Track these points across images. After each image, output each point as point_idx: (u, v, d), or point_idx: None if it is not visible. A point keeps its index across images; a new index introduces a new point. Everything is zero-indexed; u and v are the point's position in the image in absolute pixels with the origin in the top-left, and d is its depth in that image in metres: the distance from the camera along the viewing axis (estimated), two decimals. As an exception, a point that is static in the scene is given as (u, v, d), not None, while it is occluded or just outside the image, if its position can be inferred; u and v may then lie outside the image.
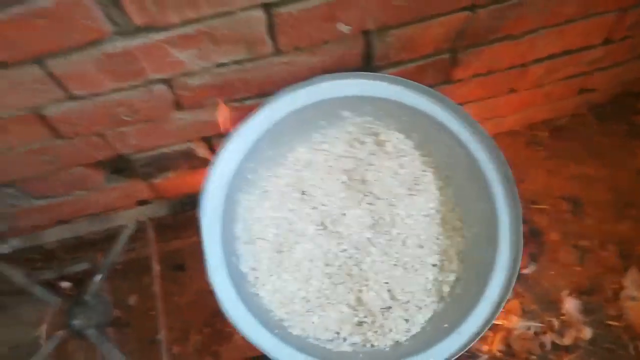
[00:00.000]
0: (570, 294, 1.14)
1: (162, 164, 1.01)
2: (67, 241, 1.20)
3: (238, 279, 0.77)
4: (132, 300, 1.21)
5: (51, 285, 1.09)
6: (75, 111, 0.82)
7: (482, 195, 0.79)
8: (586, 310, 1.13)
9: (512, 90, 1.08)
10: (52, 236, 0.94)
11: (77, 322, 0.90)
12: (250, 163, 0.85)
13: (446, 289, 0.81)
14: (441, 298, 0.81)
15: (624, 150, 1.26)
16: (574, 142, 1.28)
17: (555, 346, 1.11)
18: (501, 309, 0.70)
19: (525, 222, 1.23)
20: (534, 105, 1.18)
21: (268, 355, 0.69)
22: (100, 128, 0.87)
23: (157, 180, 1.07)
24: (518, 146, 1.28)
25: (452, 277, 0.81)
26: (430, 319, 0.79)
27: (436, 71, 0.94)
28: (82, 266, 1.07)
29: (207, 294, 1.23)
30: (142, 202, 1.13)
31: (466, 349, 0.68)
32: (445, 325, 0.74)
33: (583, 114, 1.28)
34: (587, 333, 1.10)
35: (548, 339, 1.11)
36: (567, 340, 1.10)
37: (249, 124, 0.83)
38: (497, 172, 0.78)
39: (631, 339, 1.10)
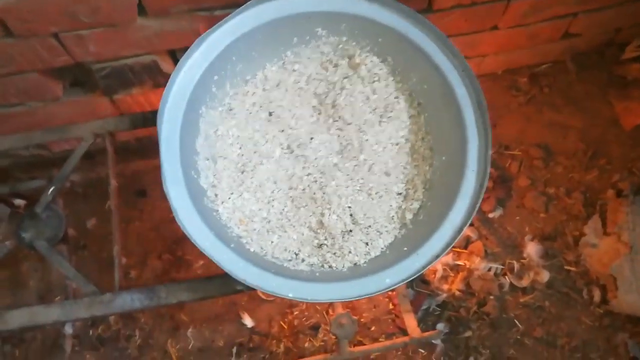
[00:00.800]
0: (533, 239, 1.16)
1: (124, 77, 0.96)
2: (22, 159, 1.16)
3: (196, 193, 0.74)
4: (91, 223, 1.17)
5: (4, 202, 1.04)
6: (26, 4, 0.75)
7: (454, 123, 0.77)
8: (547, 255, 1.14)
9: (495, 27, 1.05)
10: (4, 144, 0.89)
11: (27, 235, 0.86)
12: (216, 75, 0.81)
13: (409, 216, 0.79)
14: (403, 225, 0.80)
15: (600, 101, 1.26)
16: (552, 89, 1.26)
17: (513, 287, 1.12)
18: (462, 234, 0.69)
19: (496, 167, 1.23)
20: (516, 48, 1.15)
21: (220, 265, 0.67)
22: (56, 28, 0.81)
23: (119, 97, 1.02)
24: (497, 90, 1.26)
25: (416, 205, 0.80)
26: (391, 244, 0.78)
27: (418, -4, 0.90)
28: (36, 183, 1.02)
29: (169, 222, 1.21)
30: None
31: (424, 270, 0.68)
32: (405, 249, 0.73)
33: (564, 61, 1.26)
34: (544, 276, 1.12)
35: (507, 280, 1.13)
36: (524, 282, 1.12)
37: (216, 33, 0.78)
38: (470, 98, 0.76)
39: (586, 284, 1.12)
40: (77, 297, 0.94)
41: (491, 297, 1.11)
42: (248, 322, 1.10)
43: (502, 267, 1.14)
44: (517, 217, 1.18)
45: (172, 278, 1.14)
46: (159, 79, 0.97)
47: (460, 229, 0.70)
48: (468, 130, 0.75)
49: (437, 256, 0.68)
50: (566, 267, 1.14)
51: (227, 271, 0.67)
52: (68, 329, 0.92)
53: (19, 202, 1.09)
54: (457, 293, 1.12)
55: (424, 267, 0.68)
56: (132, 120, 0.90)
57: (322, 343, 1.09)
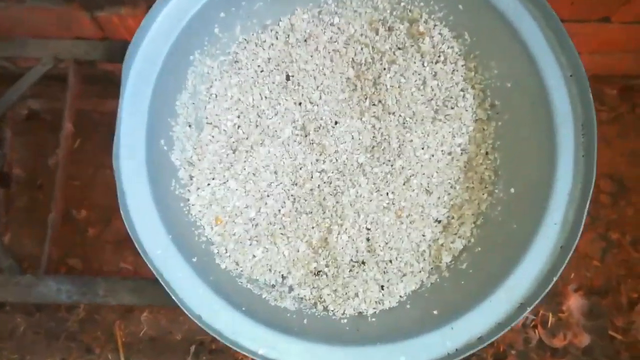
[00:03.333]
0: (578, 290, 0.94)
1: (110, -10, 0.73)
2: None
3: (160, 172, 0.53)
4: (53, 160, 0.97)
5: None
6: None
7: (540, 146, 0.54)
8: (591, 314, 0.93)
9: (606, 19, 0.79)
10: None
11: (-52, 171, 0.66)
12: (223, 12, 0.58)
13: (446, 258, 0.58)
14: (436, 268, 0.58)
15: (703, 138, 1.00)
16: (645, 112, 1.01)
17: (541, 345, 0.92)
18: (524, 316, 0.47)
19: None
20: (620, 50, 0.90)
21: (168, 289, 0.47)
22: None
23: (103, 15, 0.79)
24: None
25: (458, 245, 0.58)
26: (415, 294, 0.56)
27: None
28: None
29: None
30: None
31: (458, 358, 0.46)
32: (435, 312, 0.51)
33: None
34: (583, 340, 0.91)
35: (536, 335, 0.92)
36: (557, 342, 0.91)
37: (233, -49, 0.55)
38: (574, 116, 0.52)
39: (632, 358, 0.91)
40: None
41: (513, 351, 0.91)
42: (216, 318, 0.91)
43: (533, 317, 0.93)
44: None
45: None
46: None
47: (523, 308, 0.48)
48: (560, 163, 0.52)
49: (482, 340, 0.47)
50: (611, 333, 0.92)
51: (177, 300, 0.47)
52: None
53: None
54: (472, 336, 0.91)
55: (458, 354, 0.47)
56: (107, 49, 0.68)
57: (299, 362, 0.90)
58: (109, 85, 0.97)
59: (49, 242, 0.62)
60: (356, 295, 0.55)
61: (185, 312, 0.46)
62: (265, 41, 0.62)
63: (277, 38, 0.63)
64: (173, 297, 0.47)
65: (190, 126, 0.58)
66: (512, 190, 0.56)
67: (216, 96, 0.61)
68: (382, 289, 0.56)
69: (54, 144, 0.99)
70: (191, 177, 0.57)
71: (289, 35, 0.63)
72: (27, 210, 0.93)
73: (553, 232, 0.50)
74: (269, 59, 0.63)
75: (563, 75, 0.53)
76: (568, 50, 0.53)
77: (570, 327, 0.92)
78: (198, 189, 0.57)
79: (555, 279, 0.48)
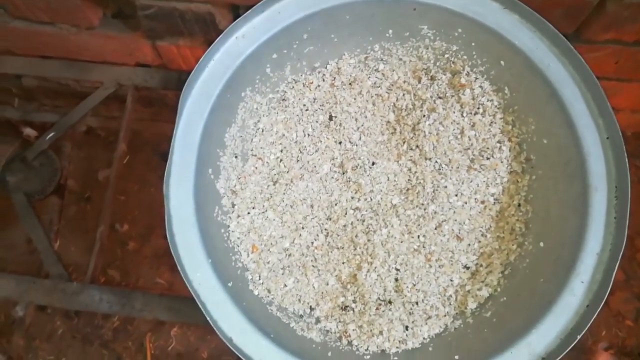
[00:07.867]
0: (608, 349, 0.92)
1: (172, 23, 0.78)
2: (48, 84, 1.01)
3: (205, 199, 0.56)
4: (103, 174, 1.03)
5: (12, 127, 0.91)
6: None
7: (572, 206, 0.55)
8: (620, 375, 0.91)
9: (649, 79, 0.79)
10: (11, 67, 0.74)
11: (12, 179, 0.72)
12: (276, 53, 0.62)
13: (472, 304, 0.59)
14: (461, 314, 0.59)
15: None
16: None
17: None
18: (546, 372, 0.48)
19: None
20: (662, 110, 0.90)
21: (204, 310, 0.50)
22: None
23: (163, 44, 0.84)
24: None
25: (485, 293, 0.59)
26: (438, 338, 0.57)
27: (569, 15, 0.67)
28: (49, 117, 0.88)
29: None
30: (142, 66, 0.91)
31: (476, 407, 0.47)
32: (456, 357, 0.52)
33: None
34: (611, 401, 0.89)
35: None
36: (583, 401, 0.89)
37: (290, -1, 0.59)
38: (607, 181, 0.53)
39: None
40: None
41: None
42: (241, 339, 0.93)
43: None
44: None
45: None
46: (212, 36, 0.79)
47: (544, 364, 0.48)
48: (591, 223, 0.52)
49: (501, 392, 0.48)
50: (640, 397, 0.90)
51: (211, 321, 0.49)
52: (19, 311, 0.78)
53: (29, 131, 0.95)
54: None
55: (477, 403, 0.48)
56: (163, 78, 0.74)
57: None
58: (162, 108, 1.03)
59: (96, 254, 0.66)
60: (380, 333, 0.56)
61: (218, 333, 0.49)
62: (312, 82, 0.66)
63: (323, 80, 0.67)
64: (208, 318, 0.49)
65: (236, 157, 0.62)
66: (542, 244, 0.57)
67: (262, 131, 0.65)
68: (407, 330, 0.57)
69: (105, 159, 1.06)
70: (233, 205, 0.61)
71: (335, 78, 0.67)
72: (75, 220, 0.99)
73: (580, 291, 0.51)
74: (315, 99, 0.66)
75: (599, 137, 0.54)
76: (606, 113, 0.54)
77: (597, 386, 0.90)
78: (238, 216, 0.60)
79: (579, 337, 0.49)
